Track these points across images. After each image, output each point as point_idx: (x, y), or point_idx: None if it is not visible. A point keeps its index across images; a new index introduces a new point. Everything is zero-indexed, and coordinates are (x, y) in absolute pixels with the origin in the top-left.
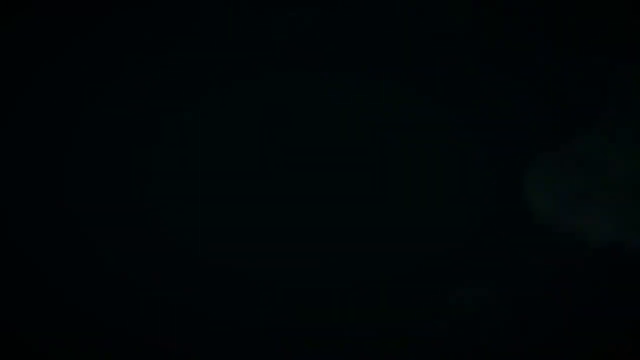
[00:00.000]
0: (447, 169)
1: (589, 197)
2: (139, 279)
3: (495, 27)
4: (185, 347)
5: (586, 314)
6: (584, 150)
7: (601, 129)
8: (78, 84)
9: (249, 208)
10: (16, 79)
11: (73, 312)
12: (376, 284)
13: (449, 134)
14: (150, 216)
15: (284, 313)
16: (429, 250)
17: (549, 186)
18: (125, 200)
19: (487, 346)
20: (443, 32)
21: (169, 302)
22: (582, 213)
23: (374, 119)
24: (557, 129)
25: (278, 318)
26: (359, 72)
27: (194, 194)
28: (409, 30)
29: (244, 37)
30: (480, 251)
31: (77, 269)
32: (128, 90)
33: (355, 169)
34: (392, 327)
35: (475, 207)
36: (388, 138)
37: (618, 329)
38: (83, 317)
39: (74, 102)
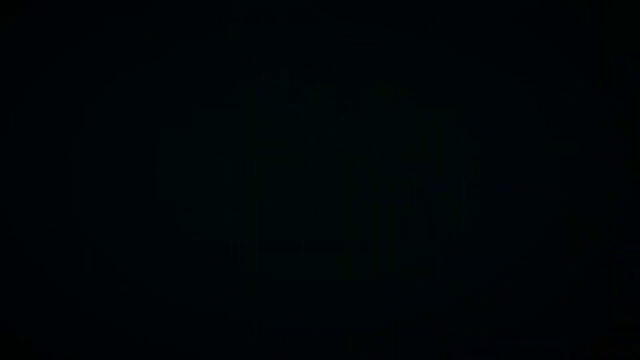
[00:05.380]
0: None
1: None
2: (142, 279)
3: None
4: (187, 348)
5: None
6: None
7: None
8: (79, 84)
9: (250, 207)
10: (18, 79)
11: (77, 312)
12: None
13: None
14: (154, 216)
15: (287, 311)
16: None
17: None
18: (128, 199)
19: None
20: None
21: (171, 302)
22: None
23: (372, 120)
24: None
25: (282, 316)
26: (358, 73)
27: (197, 193)
28: (407, 30)
29: (244, 37)
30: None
31: (81, 270)
32: (129, 91)
33: (355, 169)
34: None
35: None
36: (386, 139)
37: None
38: (87, 317)
39: (76, 103)
